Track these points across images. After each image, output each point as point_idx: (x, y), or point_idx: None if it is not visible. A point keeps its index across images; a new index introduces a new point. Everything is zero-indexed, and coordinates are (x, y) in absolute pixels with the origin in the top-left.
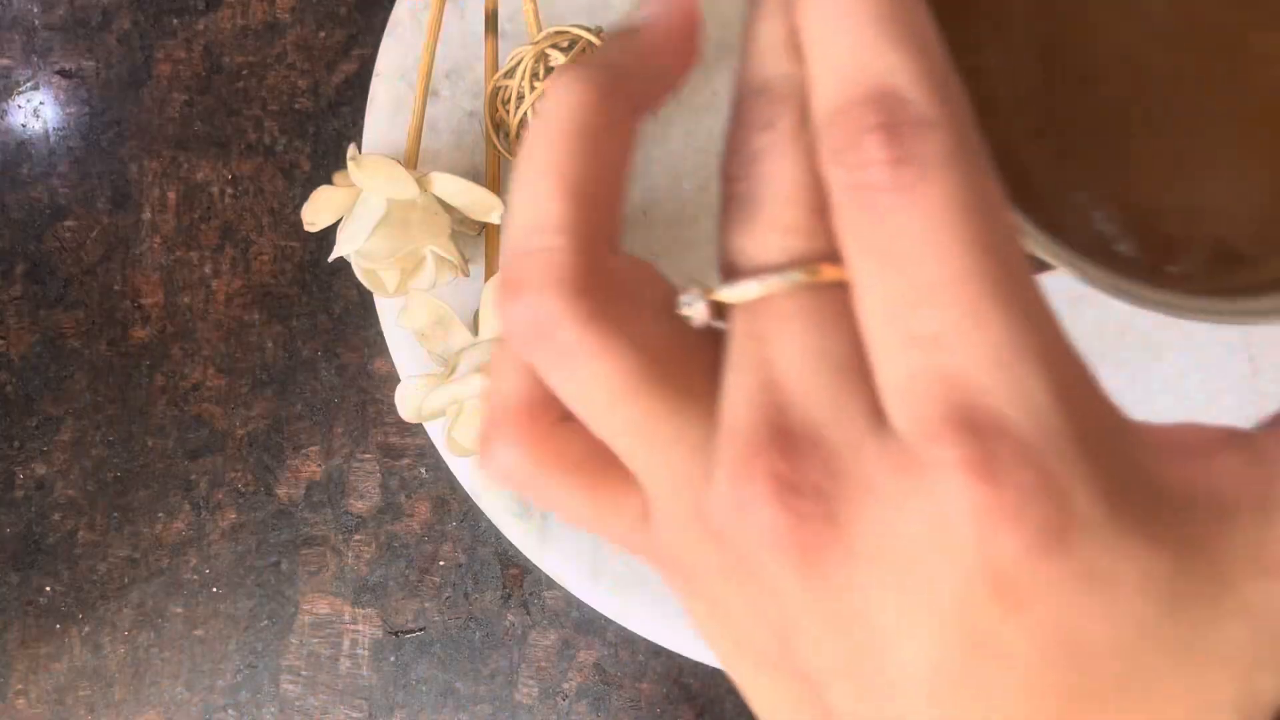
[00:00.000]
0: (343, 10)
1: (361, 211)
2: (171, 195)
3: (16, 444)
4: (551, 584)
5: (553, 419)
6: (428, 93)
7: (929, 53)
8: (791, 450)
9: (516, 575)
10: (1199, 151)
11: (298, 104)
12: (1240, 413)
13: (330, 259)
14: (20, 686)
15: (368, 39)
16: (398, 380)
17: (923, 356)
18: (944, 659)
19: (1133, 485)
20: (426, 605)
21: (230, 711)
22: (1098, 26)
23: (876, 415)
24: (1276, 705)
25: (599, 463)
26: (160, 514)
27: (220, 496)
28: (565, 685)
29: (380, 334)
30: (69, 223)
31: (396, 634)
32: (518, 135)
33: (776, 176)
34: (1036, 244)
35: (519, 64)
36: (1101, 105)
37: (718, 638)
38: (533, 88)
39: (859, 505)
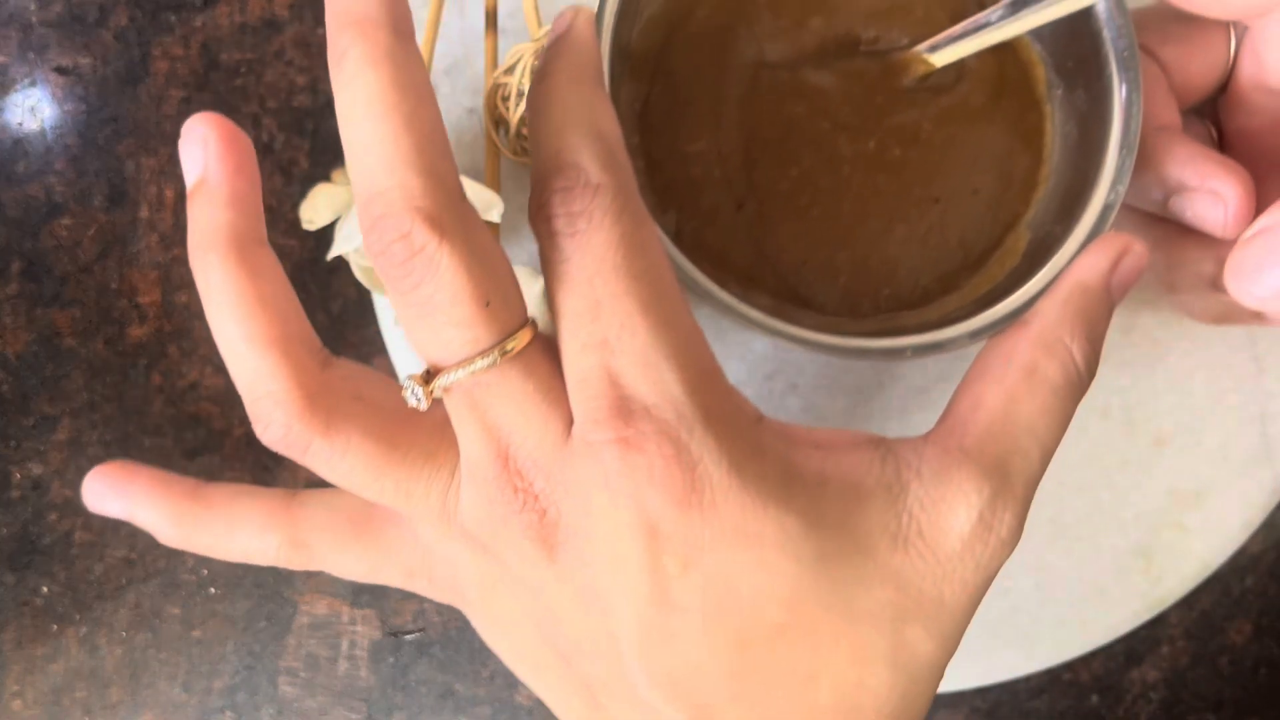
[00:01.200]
0: None
1: None
2: (169, 193)
3: (13, 443)
4: None
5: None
6: None
7: (602, 138)
8: (517, 471)
9: None
10: (867, 220)
11: (296, 101)
12: (1245, 412)
13: (329, 257)
14: (16, 688)
15: None
16: (396, 379)
17: (592, 358)
18: (643, 616)
19: (760, 460)
20: (425, 606)
21: (228, 713)
22: (793, 120)
23: (572, 419)
24: (930, 657)
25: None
26: None
27: None
28: None
29: (379, 333)
30: (65, 220)
31: (395, 635)
32: (518, 133)
33: (439, 280)
34: (725, 304)
35: (519, 61)
36: (792, 182)
37: (505, 651)
38: None
39: (568, 495)
